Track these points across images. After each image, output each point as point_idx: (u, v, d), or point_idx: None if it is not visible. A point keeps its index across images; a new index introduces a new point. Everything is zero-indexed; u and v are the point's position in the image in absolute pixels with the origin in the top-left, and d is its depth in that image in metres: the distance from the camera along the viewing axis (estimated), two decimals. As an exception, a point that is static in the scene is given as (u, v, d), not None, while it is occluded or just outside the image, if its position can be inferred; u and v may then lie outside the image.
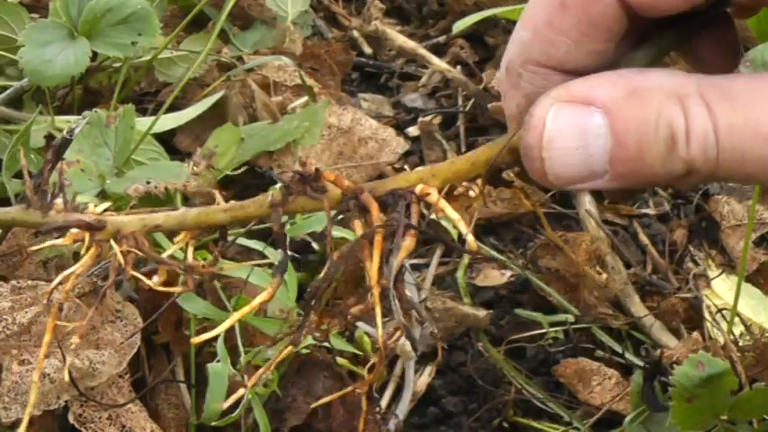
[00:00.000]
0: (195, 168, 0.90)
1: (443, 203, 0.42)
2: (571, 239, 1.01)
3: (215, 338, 0.80)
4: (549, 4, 0.41)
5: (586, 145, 0.39)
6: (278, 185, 0.44)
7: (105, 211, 0.46)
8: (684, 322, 0.98)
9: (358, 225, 0.42)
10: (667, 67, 0.40)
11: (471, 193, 0.43)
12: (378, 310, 0.42)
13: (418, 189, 0.43)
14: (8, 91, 1.08)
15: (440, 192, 0.43)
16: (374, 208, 0.42)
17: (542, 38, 0.42)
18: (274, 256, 0.85)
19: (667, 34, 0.43)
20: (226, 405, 0.47)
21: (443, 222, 0.94)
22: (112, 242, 0.45)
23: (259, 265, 0.82)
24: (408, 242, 0.41)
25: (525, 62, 0.43)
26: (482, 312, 0.96)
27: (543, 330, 0.96)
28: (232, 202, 0.46)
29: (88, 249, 0.45)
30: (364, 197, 0.42)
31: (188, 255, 0.47)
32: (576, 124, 0.39)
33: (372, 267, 0.41)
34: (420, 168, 0.44)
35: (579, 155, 0.39)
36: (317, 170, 0.43)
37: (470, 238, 0.42)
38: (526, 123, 0.40)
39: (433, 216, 0.44)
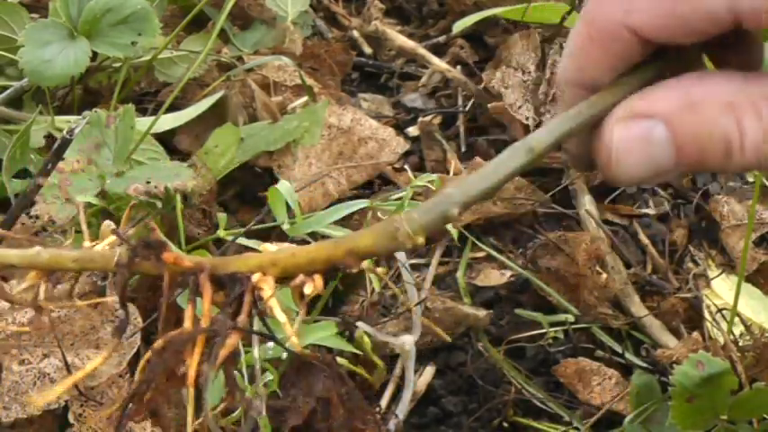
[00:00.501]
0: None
1: (273, 303, 0.43)
2: (571, 239, 1.01)
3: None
4: (581, 36, 0.46)
5: (651, 151, 0.43)
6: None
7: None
8: (684, 322, 0.98)
9: (189, 309, 0.43)
10: (725, 71, 0.44)
11: (306, 290, 0.44)
12: (190, 411, 0.42)
13: (254, 278, 0.43)
14: (8, 91, 1.08)
15: (278, 280, 0.44)
16: (207, 294, 0.43)
17: (575, 63, 0.47)
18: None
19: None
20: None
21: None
22: None
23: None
24: (233, 340, 0.42)
25: (565, 81, 0.48)
26: (482, 312, 0.96)
27: (543, 330, 0.96)
28: (83, 249, 0.46)
29: None
30: (201, 279, 0.43)
31: (39, 294, 0.47)
32: (641, 136, 0.43)
33: (190, 368, 0.42)
34: (263, 252, 0.44)
35: (646, 162, 0.43)
36: (162, 242, 0.43)
37: (294, 341, 0.43)
38: (598, 140, 0.45)
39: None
